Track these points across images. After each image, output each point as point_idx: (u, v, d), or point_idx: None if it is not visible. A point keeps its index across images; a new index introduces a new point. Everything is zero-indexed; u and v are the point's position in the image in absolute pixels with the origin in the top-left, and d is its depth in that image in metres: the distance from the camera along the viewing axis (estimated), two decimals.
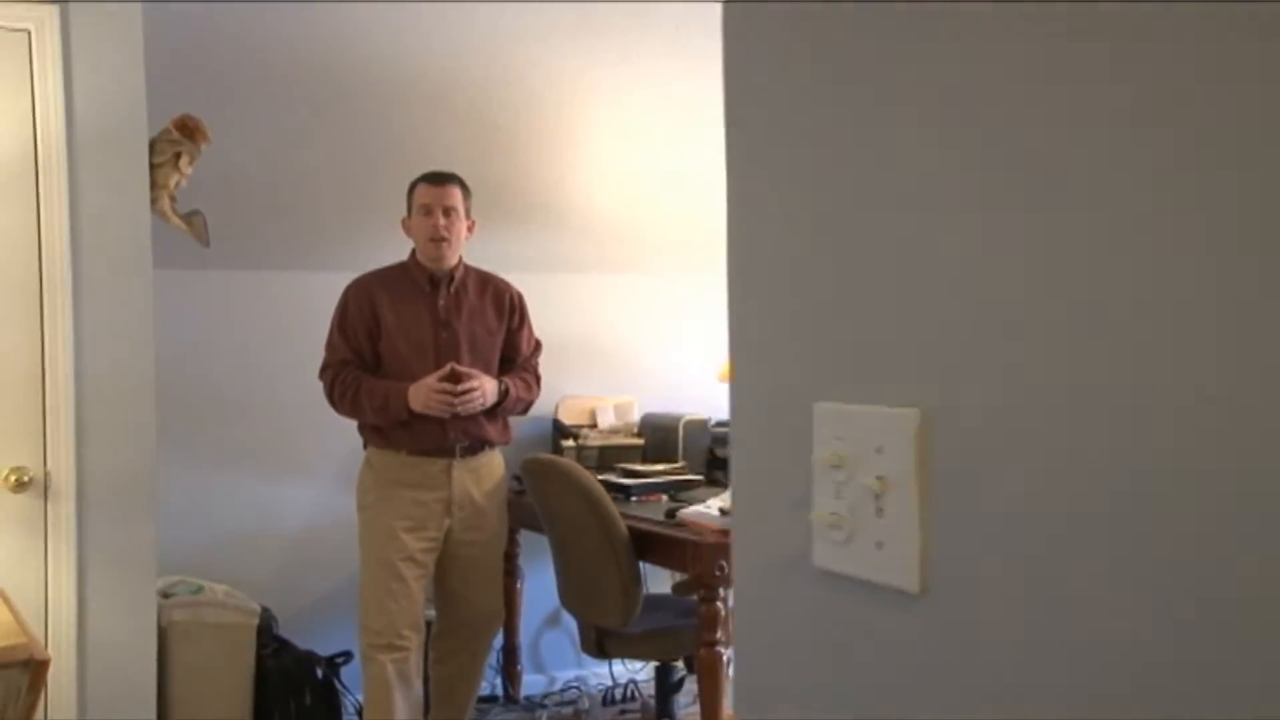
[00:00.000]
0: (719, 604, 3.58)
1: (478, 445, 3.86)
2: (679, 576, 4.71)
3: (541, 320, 4.13)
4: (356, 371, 3.80)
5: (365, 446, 3.90)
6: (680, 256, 5.08)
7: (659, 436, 4.73)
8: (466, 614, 3.94)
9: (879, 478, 0.89)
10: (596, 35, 4.30)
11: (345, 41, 4.02)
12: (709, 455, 4.72)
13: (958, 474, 0.84)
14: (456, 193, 3.83)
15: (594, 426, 4.72)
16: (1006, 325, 0.80)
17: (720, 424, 4.82)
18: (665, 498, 4.27)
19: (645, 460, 4.65)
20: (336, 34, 3.98)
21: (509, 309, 3.98)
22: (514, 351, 4.00)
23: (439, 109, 4.29)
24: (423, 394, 3.69)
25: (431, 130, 4.33)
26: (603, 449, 4.64)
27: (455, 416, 3.74)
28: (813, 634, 0.98)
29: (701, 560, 3.56)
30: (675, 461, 4.60)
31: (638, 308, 5.10)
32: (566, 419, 4.71)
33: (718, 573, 3.54)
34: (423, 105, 4.27)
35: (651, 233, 4.96)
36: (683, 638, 3.87)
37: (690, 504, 4.03)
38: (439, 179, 3.83)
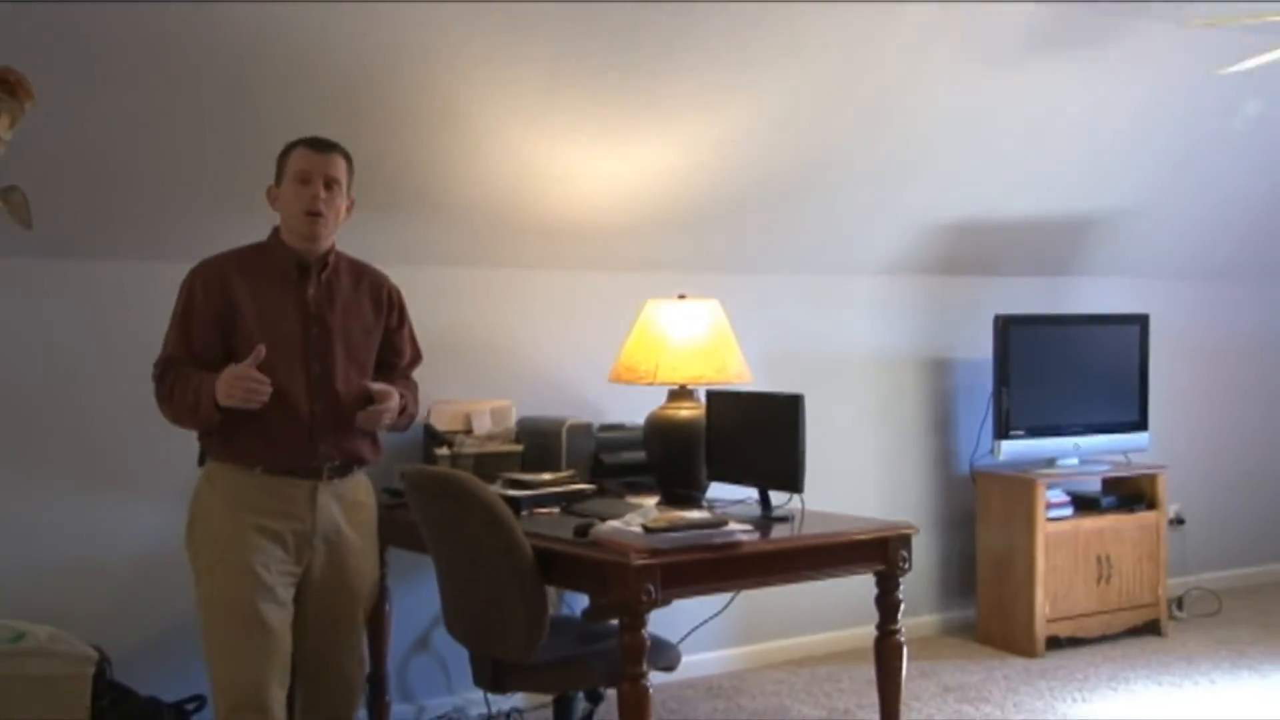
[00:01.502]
0: (644, 633, 3.06)
1: (349, 464, 3.14)
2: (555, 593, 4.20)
3: (410, 316, 3.51)
4: (184, 368, 3.01)
5: (202, 460, 3.12)
6: (559, 251, 4.54)
7: (539, 442, 4.16)
8: (322, 685, 3.14)
9: None
10: (481, 6, 3.71)
11: (195, 3, 3.33)
12: (594, 462, 4.18)
13: None
14: (341, 164, 3.12)
15: (469, 433, 4.12)
16: None
17: (605, 427, 4.29)
18: (558, 510, 3.72)
19: (525, 468, 4.08)
20: None
21: (387, 305, 3.29)
22: (394, 355, 3.32)
23: (300, 83, 3.63)
24: (226, 381, 2.89)
25: (291, 106, 3.66)
26: (479, 457, 4.04)
27: (330, 428, 3.06)
28: None
29: (626, 584, 3.02)
30: (556, 469, 4.05)
31: (514, 304, 4.52)
32: (439, 425, 4.10)
33: (645, 598, 3.02)
34: (282, 79, 3.60)
35: (529, 225, 4.39)
36: (590, 667, 3.32)
37: (589, 516, 3.51)
38: (322, 145, 3.10)
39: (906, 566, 3.41)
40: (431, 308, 3.95)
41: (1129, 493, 5.37)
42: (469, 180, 4.16)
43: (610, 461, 4.20)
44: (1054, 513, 5.09)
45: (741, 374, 3.96)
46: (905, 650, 3.45)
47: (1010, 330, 5.15)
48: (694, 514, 3.23)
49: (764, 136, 4.52)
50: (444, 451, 4.03)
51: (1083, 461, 5.34)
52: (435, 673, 4.27)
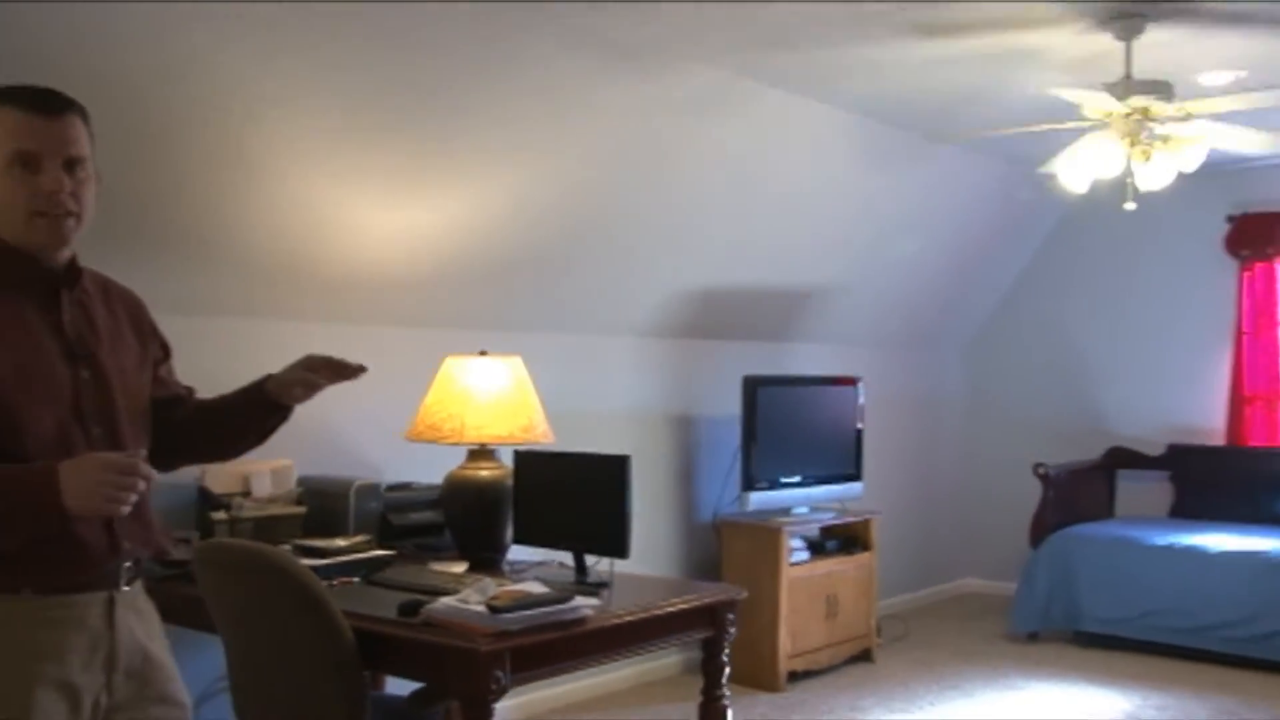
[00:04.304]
0: None
1: (146, 562, 1.91)
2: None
3: (181, 371, 2.64)
4: None
5: None
6: (343, 304, 3.75)
7: (323, 504, 3.37)
8: None
9: None
10: (283, 36, 2.96)
11: None
12: (381, 523, 3.43)
13: None
14: (81, 129, 1.78)
15: (248, 494, 3.27)
16: None
17: (393, 487, 3.55)
18: (358, 580, 2.96)
19: (307, 532, 3.28)
20: None
21: (150, 330, 2.02)
22: (177, 388, 2.07)
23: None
24: (91, 476, 1.62)
25: None
26: (259, 520, 3.21)
27: (131, 516, 1.74)
28: None
29: (473, 672, 2.33)
30: (343, 532, 3.28)
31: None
32: (215, 487, 3.23)
33: (495, 686, 2.34)
34: None
35: (314, 275, 3.60)
36: None
37: (399, 587, 2.80)
38: (49, 104, 1.74)
39: (734, 631, 2.90)
40: (205, 362, 3.04)
41: (848, 536, 5.12)
42: (252, 225, 3.35)
43: (399, 523, 3.46)
44: (794, 557, 4.75)
45: (546, 433, 3.34)
46: (730, 714, 2.93)
47: (757, 390, 4.79)
48: (535, 588, 2.58)
49: (542, 198, 3.95)
50: (221, 516, 3.17)
51: (811, 510, 5.05)
52: None
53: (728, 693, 2.92)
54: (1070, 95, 3.68)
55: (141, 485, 1.67)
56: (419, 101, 3.36)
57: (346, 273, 3.66)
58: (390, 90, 3.27)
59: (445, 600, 2.50)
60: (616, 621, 2.61)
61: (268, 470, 3.34)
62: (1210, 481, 5.91)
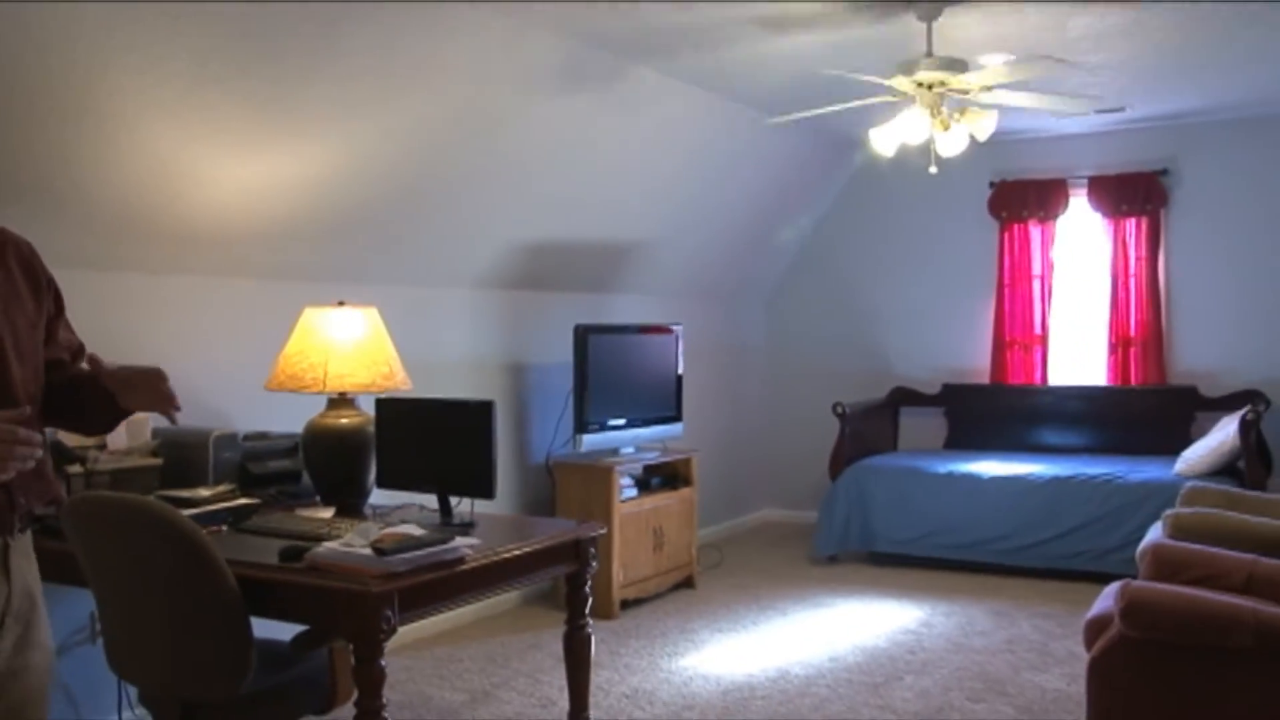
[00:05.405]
0: (381, 662, 2.38)
1: (41, 511, 1.88)
2: None
3: None
4: None
5: None
6: (192, 256, 3.57)
7: (181, 454, 3.24)
8: None
9: None
10: None
11: None
12: (241, 472, 3.32)
13: None
14: None
15: (103, 447, 3.10)
16: None
17: (250, 436, 3.43)
18: (225, 528, 2.88)
19: (164, 483, 3.15)
20: None
21: (45, 280, 1.90)
22: (62, 351, 1.95)
23: None
24: None
25: None
26: (116, 473, 3.06)
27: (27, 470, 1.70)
28: None
29: (364, 612, 2.33)
30: (202, 482, 3.17)
31: (142, 311, 3.49)
32: (69, 440, 3.04)
33: (385, 626, 2.35)
34: None
35: (164, 227, 3.41)
36: (301, 698, 2.58)
37: (271, 534, 2.76)
38: None
39: (596, 564, 2.99)
40: None
41: (670, 473, 5.30)
42: (100, 177, 3.14)
43: (258, 471, 3.36)
44: (624, 494, 4.88)
45: (405, 380, 3.31)
46: (593, 640, 3.02)
47: (588, 337, 4.86)
48: (414, 530, 2.58)
49: (384, 154, 3.87)
50: (76, 469, 3.01)
51: (637, 450, 5.18)
52: (60, 704, 3.18)
53: (590, 622, 3.01)
54: (894, 78, 3.87)
55: (38, 453, 1.66)
56: (268, 55, 3.22)
57: (195, 225, 3.49)
58: (239, 44, 3.12)
59: (328, 545, 2.48)
60: (494, 559, 2.65)
61: (122, 422, 3.16)
62: (978, 416, 6.43)
